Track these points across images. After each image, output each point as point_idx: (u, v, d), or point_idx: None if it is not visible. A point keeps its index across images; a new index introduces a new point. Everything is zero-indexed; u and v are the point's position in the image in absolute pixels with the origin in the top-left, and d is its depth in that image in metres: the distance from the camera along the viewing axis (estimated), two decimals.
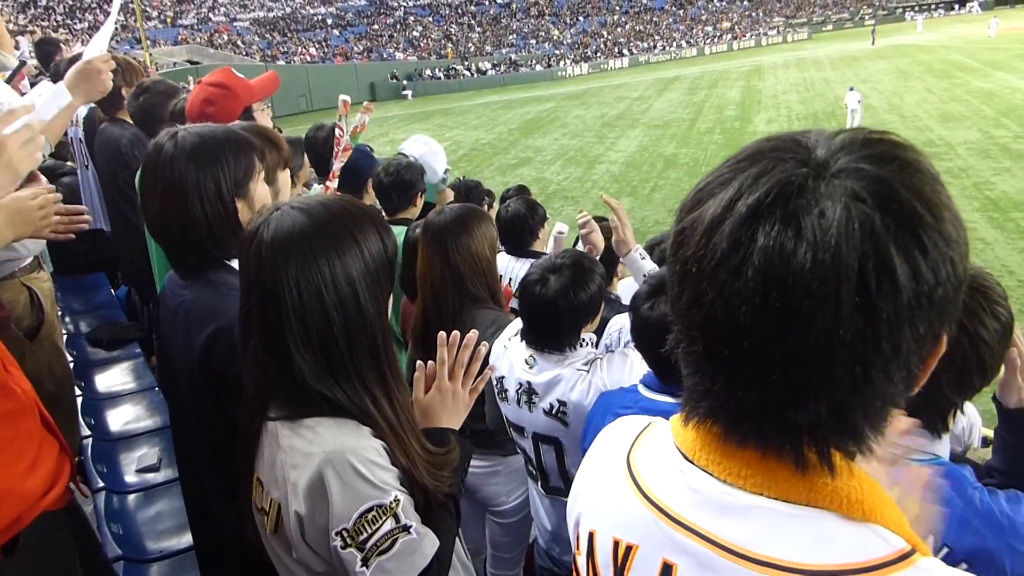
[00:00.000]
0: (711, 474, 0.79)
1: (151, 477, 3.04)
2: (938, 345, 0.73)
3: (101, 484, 2.97)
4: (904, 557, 0.71)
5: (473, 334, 1.70)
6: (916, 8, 67.26)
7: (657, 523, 0.82)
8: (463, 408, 1.69)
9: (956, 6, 67.21)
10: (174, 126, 1.92)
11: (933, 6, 67.85)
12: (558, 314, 2.35)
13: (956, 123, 21.33)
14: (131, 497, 2.95)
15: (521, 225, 3.78)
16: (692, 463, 0.81)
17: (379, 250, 1.45)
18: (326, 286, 1.36)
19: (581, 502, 0.98)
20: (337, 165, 3.62)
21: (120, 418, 3.55)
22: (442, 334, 1.68)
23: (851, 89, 22.77)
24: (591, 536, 0.92)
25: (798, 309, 0.65)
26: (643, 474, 0.87)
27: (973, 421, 2.61)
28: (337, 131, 3.66)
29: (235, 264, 1.75)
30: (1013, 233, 12.37)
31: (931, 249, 0.66)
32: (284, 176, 2.20)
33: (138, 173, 3.12)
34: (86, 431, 3.35)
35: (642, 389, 2.12)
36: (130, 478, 3.06)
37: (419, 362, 1.69)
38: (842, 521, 0.73)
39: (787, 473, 0.74)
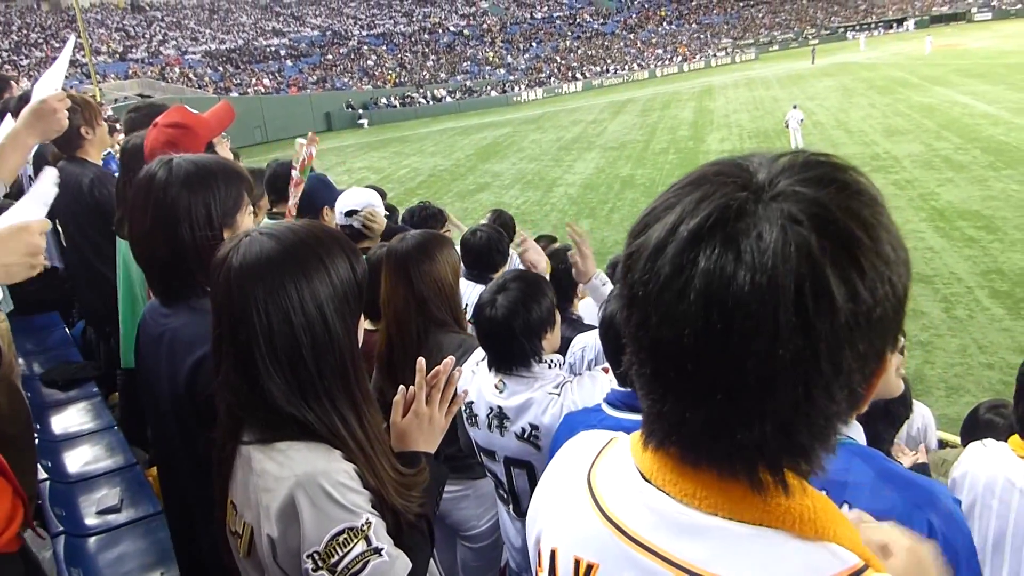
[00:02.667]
0: (668, 494, 0.79)
1: (113, 519, 2.96)
2: (882, 365, 0.74)
3: (60, 528, 2.88)
4: (856, 574, 0.73)
5: (450, 360, 1.74)
6: (857, 27, 69.46)
7: (616, 542, 0.82)
8: (439, 432, 1.72)
9: (894, 25, 69.59)
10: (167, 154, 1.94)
11: (872, 25, 70.14)
12: (512, 332, 2.37)
13: (900, 137, 21.99)
14: (92, 540, 2.86)
15: (491, 253, 3.82)
16: (650, 483, 0.82)
17: (348, 273, 1.48)
18: (294, 309, 1.39)
19: (542, 519, 0.98)
20: (292, 201, 3.65)
21: (78, 459, 3.45)
22: (421, 360, 1.72)
23: (794, 107, 23.07)
24: (553, 554, 0.92)
25: (739, 330, 0.66)
26: (603, 493, 0.88)
27: (928, 423, 2.70)
28: (293, 173, 3.70)
29: None
30: (959, 241, 12.73)
31: (868, 270, 0.67)
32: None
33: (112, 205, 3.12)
34: (43, 474, 3.25)
35: (606, 408, 2.13)
36: (90, 520, 2.97)
37: (401, 387, 1.72)
38: (795, 540, 0.74)
39: (741, 493, 0.75)
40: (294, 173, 3.68)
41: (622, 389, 2.12)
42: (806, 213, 0.68)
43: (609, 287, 2.89)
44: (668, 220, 0.72)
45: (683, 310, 0.68)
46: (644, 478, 0.83)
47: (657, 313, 0.71)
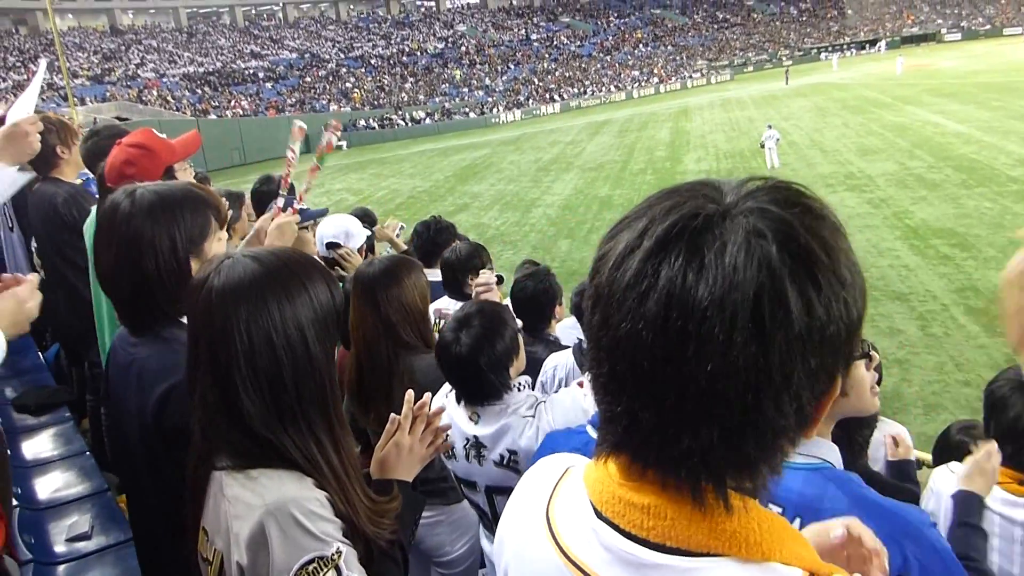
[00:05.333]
0: (617, 527, 0.80)
1: (82, 546, 2.91)
2: (832, 387, 0.76)
3: (29, 556, 2.82)
4: None
5: (427, 396, 1.78)
6: (830, 48, 70.72)
7: None
8: (418, 462, 1.75)
9: (867, 46, 70.93)
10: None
11: (845, 46, 71.44)
12: (480, 369, 2.34)
13: (874, 156, 22.29)
14: (61, 568, 2.81)
15: (455, 273, 3.82)
16: (601, 517, 0.82)
17: (327, 299, 1.48)
18: (276, 330, 1.39)
19: (507, 553, 0.99)
20: (304, 186, 3.45)
21: (49, 485, 3.39)
22: (410, 392, 1.75)
23: (769, 127, 23.29)
24: None
25: (696, 332, 0.69)
26: (562, 531, 0.88)
27: (907, 443, 2.71)
28: (289, 153, 3.56)
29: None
30: (934, 259, 12.88)
31: (825, 287, 0.71)
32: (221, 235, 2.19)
33: (85, 229, 3.09)
34: (12, 501, 3.19)
35: (591, 430, 2.09)
36: (60, 548, 2.91)
37: (392, 415, 1.74)
38: (742, 566, 0.74)
39: (686, 520, 0.75)
40: (290, 155, 3.51)
41: None
42: (771, 229, 0.71)
43: None
44: (638, 226, 0.75)
45: (644, 312, 0.71)
46: (597, 513, 0.83)
47: (619, 312, 0.73)
